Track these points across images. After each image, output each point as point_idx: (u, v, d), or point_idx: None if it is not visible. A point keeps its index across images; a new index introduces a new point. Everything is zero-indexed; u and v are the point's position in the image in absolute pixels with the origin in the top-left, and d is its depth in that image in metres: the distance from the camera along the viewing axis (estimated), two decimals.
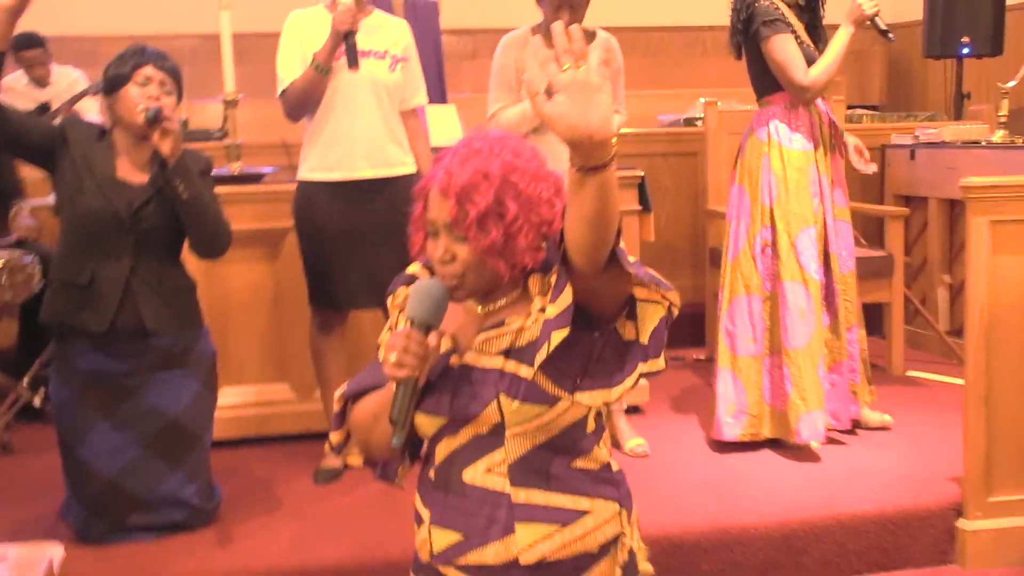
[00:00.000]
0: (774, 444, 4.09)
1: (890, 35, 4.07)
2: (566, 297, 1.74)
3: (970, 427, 3.43)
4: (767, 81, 4.10)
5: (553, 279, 1.80)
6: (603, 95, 1.54)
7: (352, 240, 3.79)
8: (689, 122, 6.31)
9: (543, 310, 1.82)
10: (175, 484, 3.39)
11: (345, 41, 3.65)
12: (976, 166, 4.90)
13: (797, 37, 4.04)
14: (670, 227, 5.94)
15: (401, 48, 3.89)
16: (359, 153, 3.77)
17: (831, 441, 4.09)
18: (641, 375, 1.82)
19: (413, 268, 2.02)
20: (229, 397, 4.16)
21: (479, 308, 1.91)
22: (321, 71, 3.70)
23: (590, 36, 3.96)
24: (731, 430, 4.06)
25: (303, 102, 3.78)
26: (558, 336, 1.74)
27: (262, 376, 4.37)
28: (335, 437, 2.03)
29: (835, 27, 4.08)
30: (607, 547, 1.93)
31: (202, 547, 3.34)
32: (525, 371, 1.82)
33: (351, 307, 3.93)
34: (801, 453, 4.00)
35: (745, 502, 3.57)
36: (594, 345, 1.80)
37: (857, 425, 4.25)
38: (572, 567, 1.90)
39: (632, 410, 4.48)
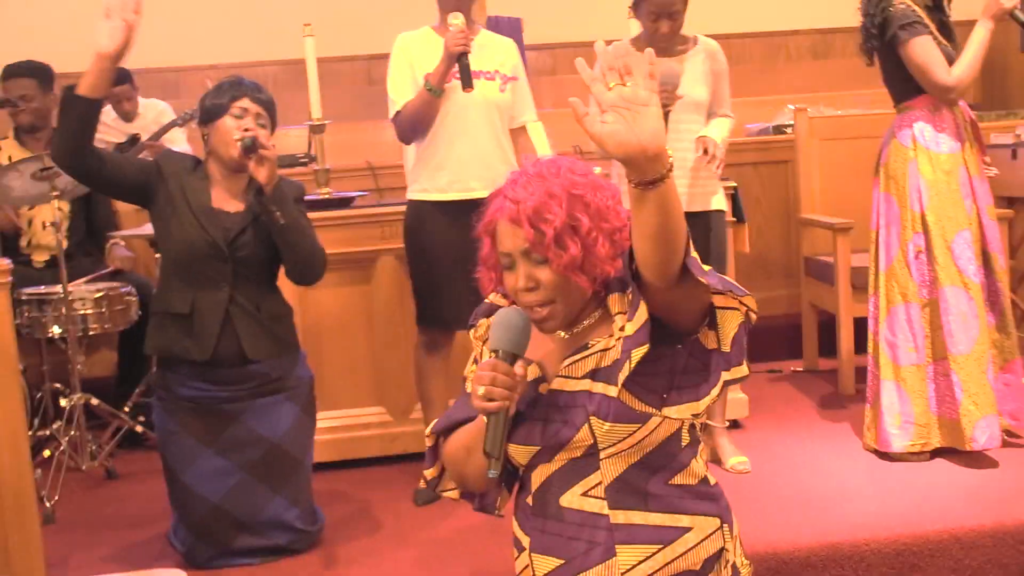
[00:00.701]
0: (870, 460, 4.00)
1: None
2: (641, 314, 1.75)
3: None
4: (906, 85, 4.01)
5: (630, 296, 1.81)
6: (652, 108, 1.55)
7: (463, 259, 3.77)
8: (778, 129, 6.22)
9: (623, 328, 1.82)
10: (278, 508, 3.40)
11: (459, 63, 3.65)
12: None
13: (934, 37, 3.94)
14: (762, 237, 5.85)
15: (510, 67, 3.90)
16: (472, 173, 3.76)
17: (1008, 444, 4.00)
18: (725, 383, 1.82)
19: (492, 298, 2.03)
20: (325, 421, 4.16)
21: (562, 333, 1.91)
22: (435, 93, 3.70)
23: (692, 42, 3.96)
24: (899, 441, 3.97)
25: (417, 124, 3.80)
26: (638, 353, 1.75)
27: (358, 399, 4.38)
28: (430, 473, 2.05)
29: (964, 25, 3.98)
30: (710, 563, 1.92)
31: (307, 570, 3.35)
32: (613, 391, 1.82)
33: (460, 327, 3.92)
34: (898, 468, 3.90)
35: (854, 518, 3.46)
36: (678, 358, 1.81)
37: None
38: None
39: (733, 425, 4.41)
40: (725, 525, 1.95)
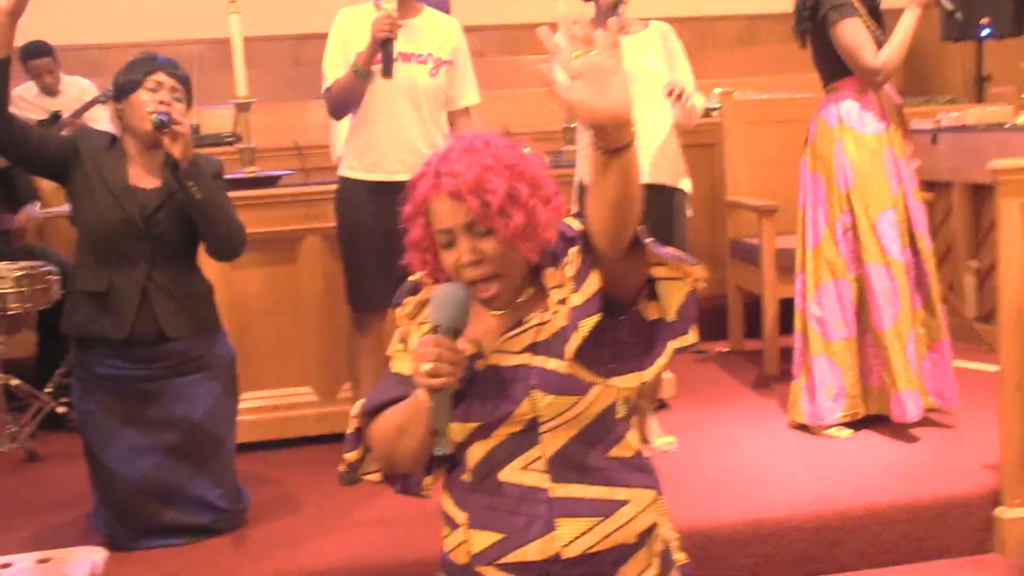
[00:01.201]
0: (790, 439, 4.07)
1: (958, 14, 4.06)
2: (592, 283, 1.76)
3: (1006, 414, 3.37)
4: (835, 67, 4.08)
5: (568, 270, 1.82)
6: (618, 77, 1.56)
7: (387, 240, 3.76)
8: (705, 113, 6.25)
9: (563, 301, 1.83)
10: (201, 488, 3.38)
11: (382, 48, 3.63)
12: (1001, 150, 4.82)
13: (863, 21, 4.01)
14: (689, 220, 5.88)
15: (448, 50, 3.87)
16: (395, 156, 3.75)
17: (928, 423, 4.09)
18: (675, 351, 1.83)
19: (416, 277, 2.01)
20: (250, 401, 4.15)
21: (496, 310, 1.90)
22: (360, 74, 3.69)
23: (643, 24, 4.07)
24: (832, 413, 4.06)
25: (343, 103, 3.81)
26: (588, 323, 1.76)
27: (285, 379, 4.35)
28: (351, 455, 2.02)
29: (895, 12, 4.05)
30: (644, 536, 1.93)
31: (231, 550, 3.34)
32: (553, 363, 1.82)
33: (382, 306, 3.90)
34: (819, 446, 3.98)
35: (777, 495, 3.52)
36: (620, 329, 1.81)
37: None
38: (611, 559, 1.89)
39: (660, 405, 4.44)
40: (659, 497, 1.97)
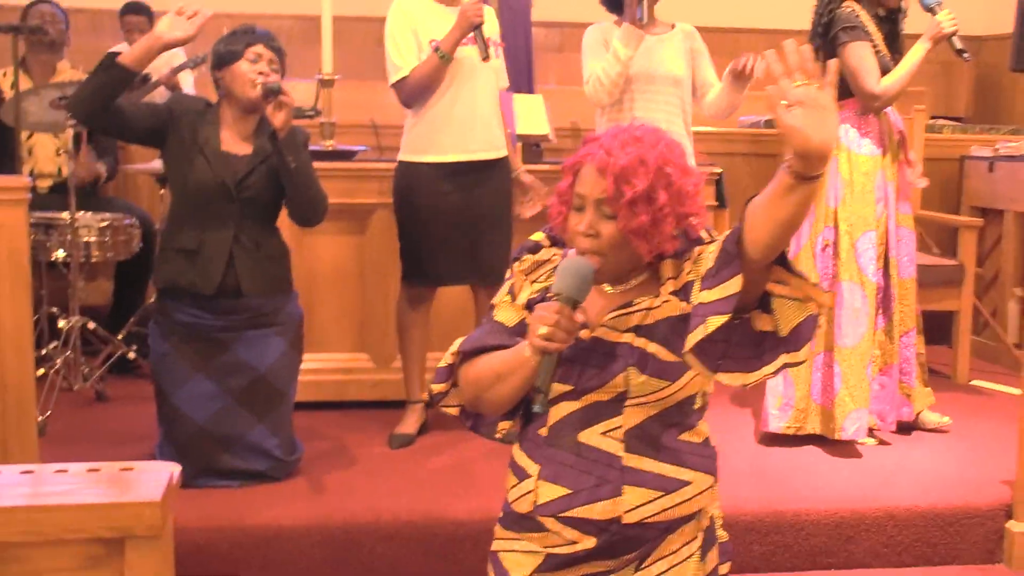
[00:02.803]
0: (817, 440, 4.19)
1: (965, 55, 4.14)
2: (732, 285, 1.83)
3: None
4: (841, 85, 4.18)
5: (687, 266, 1.96)
6: (832, 114, 1.69)
7: (451, 219, 3.96)
8: (769, 124, 6.40)
9: (676, 293, 1.98)
10: (260, 435, 3.61)
11: (476, 32, 3.80)
12: None
13: (875, 46, 4.12)
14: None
15: (497, 34, 4.07)
16: (474, 136, 3.93)
17: (878, 441, 4.20)
18: (784, 364, 1.91)
19: (537, 236, 2.16)
20: (311, 363, 4.34)
21: (608, 287, 2.05)
22: (446, 60, 3.84)
23: (669, 27, 4.17)
24: (776, 422, 4.19)
25: (424, 89, 3.92)
26: (717, 320, 1.84)
27: (343, 344, 4.57)
28: (438, 387, 2.18)
29: (915, 37, 4.16)
30: (695, 512, 2.09)
31: (283, 496, 3.55)
32: (653, 347, 1.97)
33: (452, 283, 4.11)
34: (844, 449, 4.10)
35: (798, 490, 3.69)
36: (734, 332, 1.89)
37: (911, 427, 4.35)
38: (663, 527, 2.06)
39: None
40: (716, 483, 2.13)
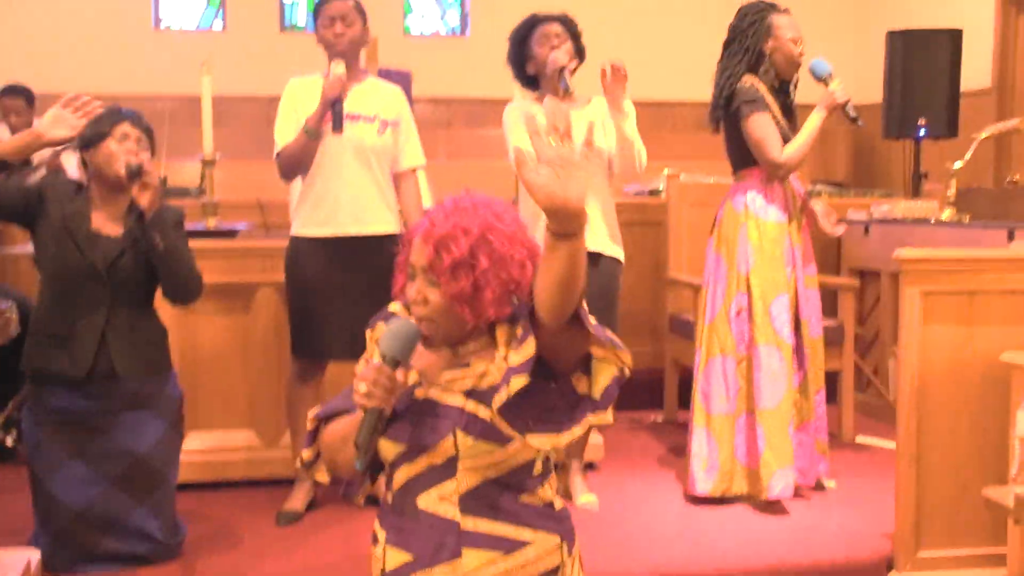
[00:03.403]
0: (742, 500, 4.27)
1: (859, 121, 4.29)
2: (528, 348, 1.90)
3: (901, 485, 3.60)
4: (745, 155, 4.30)
5: (519, 331, 1.97)
6: (583, 173, 1.74)
7: (335, 293, 3.98)
8: (654, 192, 6.53)
9: (507, 358, 1.99)
10: (140, 518, 3.54)
11: (332, 108, 3.88)
12: (924, 242, 5.09)
13: (773, 116, 4.24)
14: (631, 294, 6.07)
15: (394, 113, 4.10)
16: (346, 212, 3.97)
17: (797, 496, 4.27)
18: (591, 426, 1.97)
19: (394, 307, 2.18)
20: (196, 442, 4.31)
21: (448, 351, 2.08)
22: (311, 135, 3.92)
23: (586, 100, 4.19)
24: (703, 485, 4.24)
25: (295, 164, 4.01)
26: (518, 382, 1.90)
27: (228, 423, 4.51)
28: (306, 454, 2.19)
29: (808, 107, 4.29)
30: (546, 574, 2.08)
31: None
32: (484, 411, 1.99)
33: (331, 358, 4.10)
34: (767, 508, 4.18)
35: (691, 553, 3.73)
36: (549, 395, 1.94)
37: (818, 485, 4.43)
38: None
39: (588, 467, 4.64)
40: (565, 544, 2.12)
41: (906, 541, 3.60)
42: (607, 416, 1.97)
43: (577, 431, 1.96)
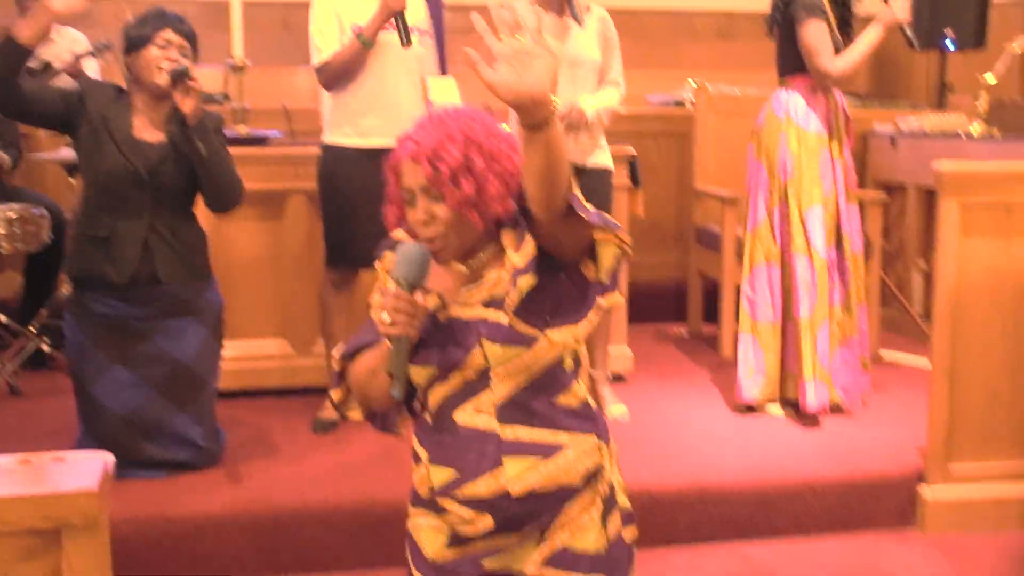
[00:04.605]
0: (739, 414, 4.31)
1: (916, 44, 4.24)
2: (528, 247, 1.94)
3: (934, 399, 3.63)
4: (793, 62, 4.27)
5: (523, 231, 2.00)
6: (540, 60, 1.74)
7: (374, 205, 3.93)
8: (679, 103, 6.48)
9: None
10: (183, 424, 3.58)
11: (397, 19, 3.81)
12: (955, 156, 5.04)
13: (829, 26, 4.20)
14: (657, 205, 6.10)
15: (424, 20, 4.08)
16: (393, 122, 3.89)
17: (838, 412, 4.29)
18: (601, 308, 2.00)
19: (397, 234, 2.19)
20: (230, 350, 4.30)
21: (460, 267, 2.08)
22: (368, 45, 3.85)
23: (586, 8, 4.12)
24: (750, 392, 4.30)
25: (344, 74, 3.94)
26: (524, 282, 1.94)
27: (262, 331, 4.55)
28: (336, 395, 2.22)
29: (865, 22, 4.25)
30: (589, 479, 2.12)
31: (207, 485, 3.53)
32: (503, 317, 2.01)
33: (364, 266, 4.10)
34: (765, 421, 4.22)
35: (723, 464, 3.77)
36: (560, 286, 1.97)
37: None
38: (557, 498, 2.09)
39: (616, 379, 4.68)
40: (602, 442, 2.16)
41: (938, 454, 3.65)
42: (616, 296, 2.00)
43: (591, 316, 1.99)
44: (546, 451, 2.07)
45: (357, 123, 3.99)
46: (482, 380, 2.06)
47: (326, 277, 4.18)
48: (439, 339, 2.05)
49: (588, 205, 1.92)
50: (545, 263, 1.96)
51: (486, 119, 2.06)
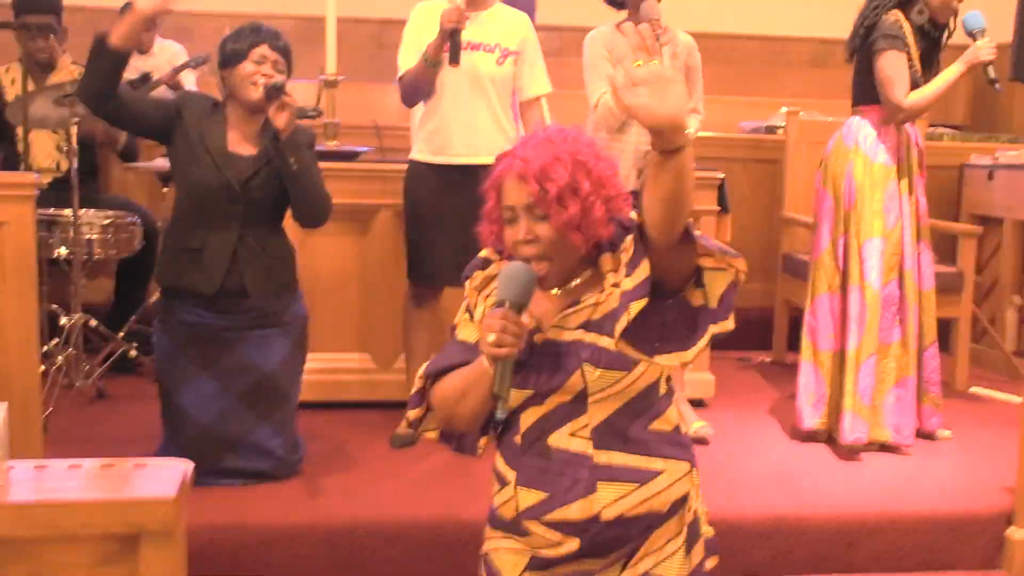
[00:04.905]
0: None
1: (997, 85, 4.15)
2: (643, 270, 1.91)
3: None
4: (867, 90, 4.21)
5: (623, 256, 1.99)
6: (678, 86, 1.74)
7: (445, 220, 4.00)
8: (770, 130, 6.42)
9: (616, 285, 2.01)
10: (263, 435, 3.62)
11: (450, 38, 3.85)
12: None
13: (909, 58, 4.13)
14: (745, 232, 6.03)
15: (516, 41, 4.08)
16: (459, 140, 4.00)
17: (884, 449, 4.19)
18: (713, 335, 1.96)
19: (485, 252, 2.22)
20: (313, 362, 4.32)
21: (555, 290, 2.09)
22: (430, 63, 3.92)
23: (670, 34, 4.09)
24: (810, 419, 4.25)
25: (414, 90, 4.04)
26: (636, 306, 1.91)
27: (346, 344, 4.59)
28: (413, 413, 2.22)
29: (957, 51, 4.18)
30: (676, 506, 2.12)
31: (286, 496, 3.56)
32: (605, 341, 2.01)
33: (439, 282, 4.13)
34: (846, 453, 4.13)
35: (802, 494, 3.71)
36: (667, 312, 1.95)
37: (930, 437, 4.36)
38: (645, 524, 2.09)
39: (697, 404, 4.63)
40: (693, 470, 2.16)
41: None
42: (729, 324, 1.97)
43: (701, 343, 1.96)
44: (642, 477, 2.07)
45: (431, 140, 4.06)
46: (578, 403, 2.06)
47: (408, 292, 4.21)
48: (536, 362, 2.06)
49: (698, 232, 1.91)
50: (652, 289, 1.94)
51: (592, 142, 2.08)
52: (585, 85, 4.16)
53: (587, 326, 2.05)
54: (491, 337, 1.94)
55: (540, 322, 2.08)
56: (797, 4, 7.69)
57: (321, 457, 3.91)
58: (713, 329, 1.96)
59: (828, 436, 4.25)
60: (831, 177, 4.28)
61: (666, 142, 1.76)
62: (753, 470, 3.96)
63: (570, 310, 2.07)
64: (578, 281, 2.09)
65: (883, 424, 4.17)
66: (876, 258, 4.14)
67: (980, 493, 3.75)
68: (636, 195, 2.04)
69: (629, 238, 1.99)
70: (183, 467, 2.03)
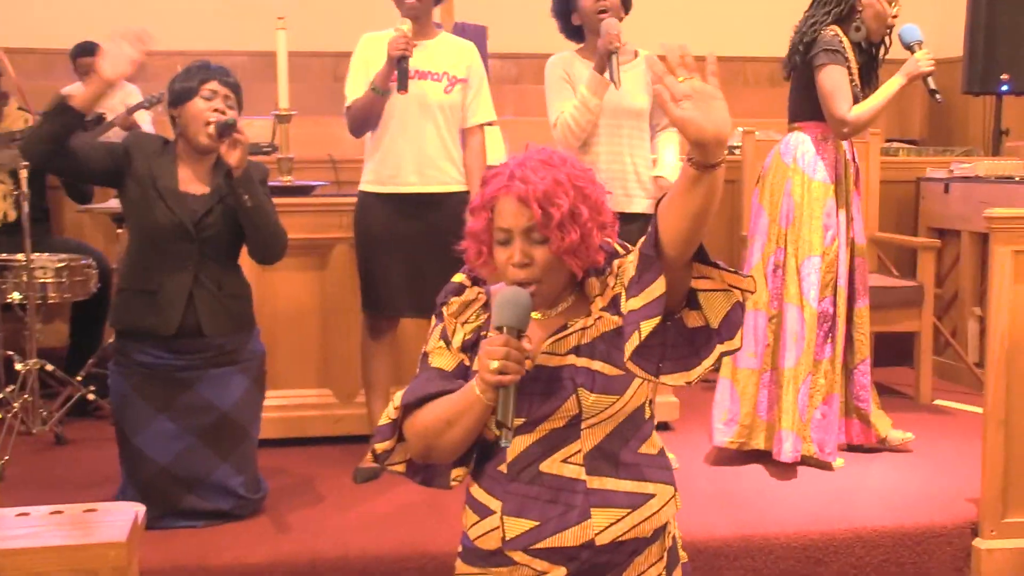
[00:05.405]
0: (764, 458, 4.23)
1: (938, 96, 4.16)
2: (656, 288, 1.87)
3: (988, 449, 3.54)
4: (806, 106, 4.21)
5: (611, 280, 2.01)
6: (720, 101, 1.73)
7: (399, 250, 3.99)
8: (729, 150, 6.43)
9: (605, 308, 2.02)
10: (224, 474, 3.57)
11: (397, 65, 3.84)
12: (1008, 201, 4.98)
13: (850, 73, 4.14)
14: None
15: (463, 69, 4.07)
16: (409, 169, 3.98)
17: (917, 457, 4.25)
18: (721, 354, 1.94)
19: (459, 278, 2.17)
20: (273, 399, 4.31)
21: (538, 315, 2.07)
22: (377, 92, 3.90)
23: (633, 54, 4.12)
24: (721, 436, 4.24)
25: (363, 120, 4.01)
26: (648, 325, 1.88)
27: (306, 380, 4.55)
28: (381, 446, 2.17)
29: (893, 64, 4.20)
30: (658, 531, 2.11)
31: (249, 535, 3.51)
32: (597, 364, 2.01)
33: (394, 312, 4.11)
34: (808, 470, 4.14)
35: (767, 514, 3.70)
36: (668, 333, 1.93)
37: (879, 448, 4.37)
38: (631, 549, 2.08)
39: (663, 427, 4.62)
40: (676, 494, 2.16)
41: (992, 506, 3.55)
42: (735, 343, 1.95)
43: (708, 363, 1.94)
44: (635, 502, 2.07)
45: (379, 170, 4.04)
46: (571, 429, 2.05)
47: (364, 324, 4.19)
48: (527, 389, 2.02)
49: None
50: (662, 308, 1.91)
51: (586, 168, 2.07)
52: (546, 102, 4.14)
53: (577, 351, 2.04)
54: (494, 364, 1.91)
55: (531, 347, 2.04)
56: (755, 25, 7.76)
57: (283, 494, 3.87)
58: (720, 348, 1.94)
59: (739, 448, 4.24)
60: (768, 194, 4.27)
61: (709, 156, 1.75)
62: (717, 489, 3.95)
63: (560, 334, 2.06)
64: (563, 307, 2.09)
65: (810, 439, 4.16)
66: (815, 276, 4.13)
67: (946, 505, 3.76)
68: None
69: (630, 258, 1.99)
70: (134, 511, 2.00)
